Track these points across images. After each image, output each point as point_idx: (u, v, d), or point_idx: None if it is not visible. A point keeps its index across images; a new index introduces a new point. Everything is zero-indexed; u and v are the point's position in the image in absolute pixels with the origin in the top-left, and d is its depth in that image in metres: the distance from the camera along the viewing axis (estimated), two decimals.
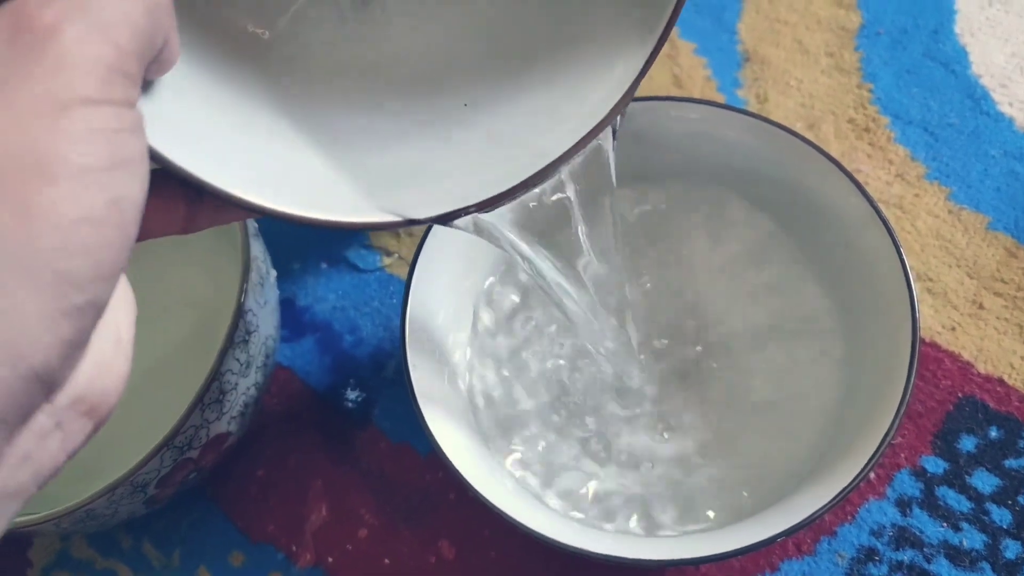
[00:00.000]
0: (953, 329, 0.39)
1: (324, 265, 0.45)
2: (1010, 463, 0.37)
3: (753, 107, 0.45)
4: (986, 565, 0.35)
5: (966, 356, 0.39)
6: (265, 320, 0.37)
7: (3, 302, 0.14)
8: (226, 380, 0.34)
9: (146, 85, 0.19)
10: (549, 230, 0.28)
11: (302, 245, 0.45)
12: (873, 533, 0.36)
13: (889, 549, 0.36)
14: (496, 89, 0.27)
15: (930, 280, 0.40)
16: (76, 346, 0.16)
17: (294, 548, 0.39)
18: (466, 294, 0.38)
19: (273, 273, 0.39)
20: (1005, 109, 0.44)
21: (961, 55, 0.45)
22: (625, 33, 0.25)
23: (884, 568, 0.35)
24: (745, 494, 0.34)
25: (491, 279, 0.39)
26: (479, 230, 0.26)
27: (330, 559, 0.39)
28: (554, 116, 0.26)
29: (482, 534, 0.38)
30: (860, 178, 0.37)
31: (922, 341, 0.39)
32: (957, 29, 0.46)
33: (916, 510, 0.36)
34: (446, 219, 0.25)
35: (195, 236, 0.23)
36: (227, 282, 0.40)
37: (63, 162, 0.15)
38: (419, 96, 0.27)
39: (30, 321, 0.14)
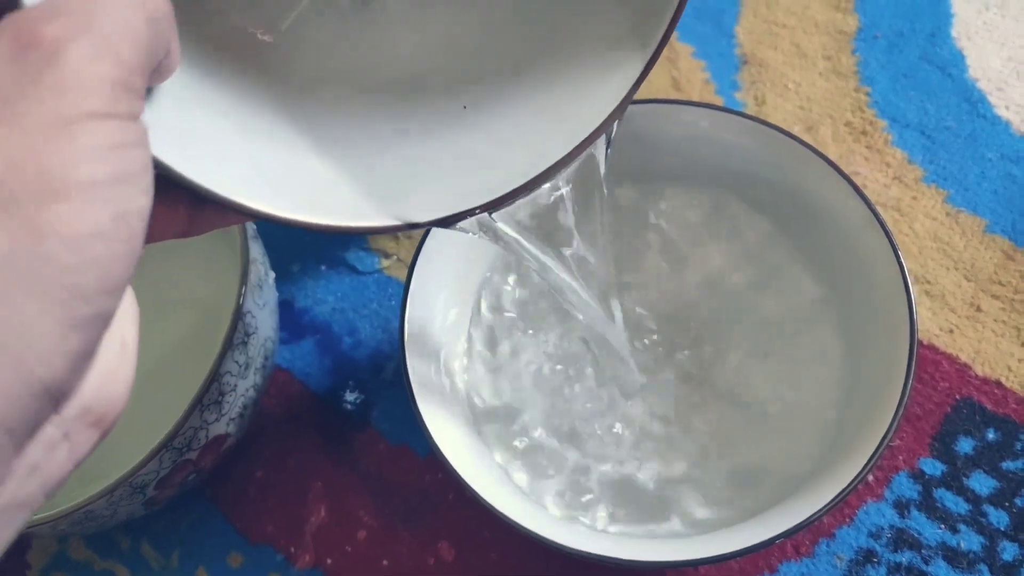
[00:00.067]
0: (951, 331, 0.39)
1: (323, 267, 0.45)
2: (1007, 465, 0.37)
3: (751, 110, 0.45)
4: (984, 567, 0.35)
5: (964, 358, 0.39)
6: (264, 322, 0.37)
7: (13, 317, 0.14)
8: (225, 381, 0.34)
9: (145, 92, 0.19)
10: (548, 228, 0.28)
11: (301, 247, 0.45)
12: (871, 535, 0.36)
13: (887, 551, 0.36)
14: (496, 91, 0.27)
15: (928, 282, 0.40)
16: (84, 357, 0.16)
17: (293, 549, 0.39)
18: (465, 296, 0.39)
19: (272, 275, 0.39)
20: (1002, 112, 0.44)
21: (958, 59, 0.45)
22: (625, 37, 0.25)
23: (882, 570, 0.36)
24: (744, 496, 0.34)
25: (490, 281, 0.39)
26: (483, 228, 0.26)
27: (329, 560, 0.39)
28: (555, 118, 0.26)
29: (481, 535, 0.38)
30: (858, 181, 0.37)
31: (920, 343, 0.39)
32: (954, 33, 0.46)
33: (914, 512, 0.36)
34: (446, 222, 0.25)
35: (195, 238, 0.23)
36: (226, 284, 0.40)
37: (71, 178, 0.15)
38: (419, 98, 0.27)
39: (40, 335, 0.15)
